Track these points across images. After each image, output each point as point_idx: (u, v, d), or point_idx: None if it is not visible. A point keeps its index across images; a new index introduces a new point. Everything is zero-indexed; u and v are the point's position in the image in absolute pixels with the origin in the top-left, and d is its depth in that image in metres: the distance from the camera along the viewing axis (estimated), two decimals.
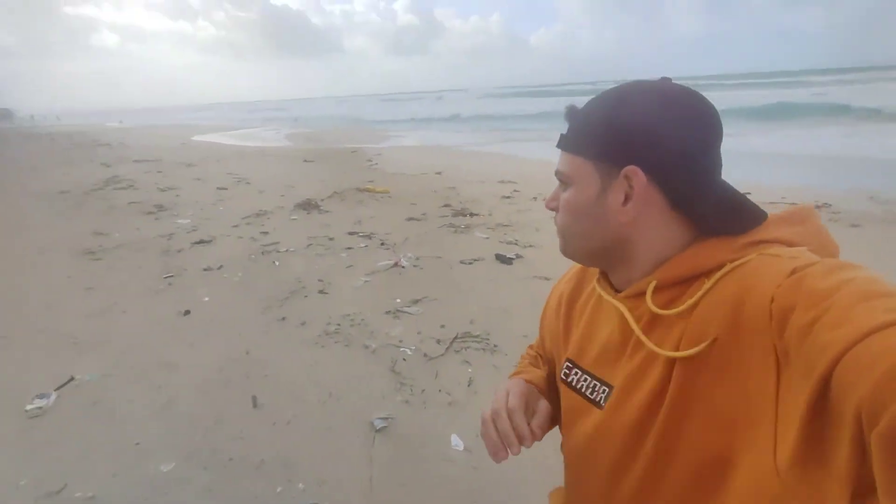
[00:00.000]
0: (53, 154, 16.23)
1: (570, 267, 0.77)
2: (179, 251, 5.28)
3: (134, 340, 3.21)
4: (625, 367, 0.56)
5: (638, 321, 0.55)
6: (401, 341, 3.20)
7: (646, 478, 0.53)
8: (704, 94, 0.57)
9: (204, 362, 2.93)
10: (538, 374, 0.78)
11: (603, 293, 0.62)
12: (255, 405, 2.50)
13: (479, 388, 2.67)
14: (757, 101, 22.87)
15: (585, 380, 0.62)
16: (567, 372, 0.66)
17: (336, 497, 1.92)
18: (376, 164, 13.27)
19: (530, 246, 5.28)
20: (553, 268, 4.57)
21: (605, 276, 0.64)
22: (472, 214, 6.79)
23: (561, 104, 0.72)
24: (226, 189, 9.20)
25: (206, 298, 3.91)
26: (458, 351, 3.07)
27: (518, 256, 4.89)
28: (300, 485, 1.99)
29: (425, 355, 3.01)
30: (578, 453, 0.63)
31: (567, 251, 0.64)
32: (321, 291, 4.07)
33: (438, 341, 3.19)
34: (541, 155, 14.66)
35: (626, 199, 0.54)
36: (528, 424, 0.62)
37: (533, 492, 1.86)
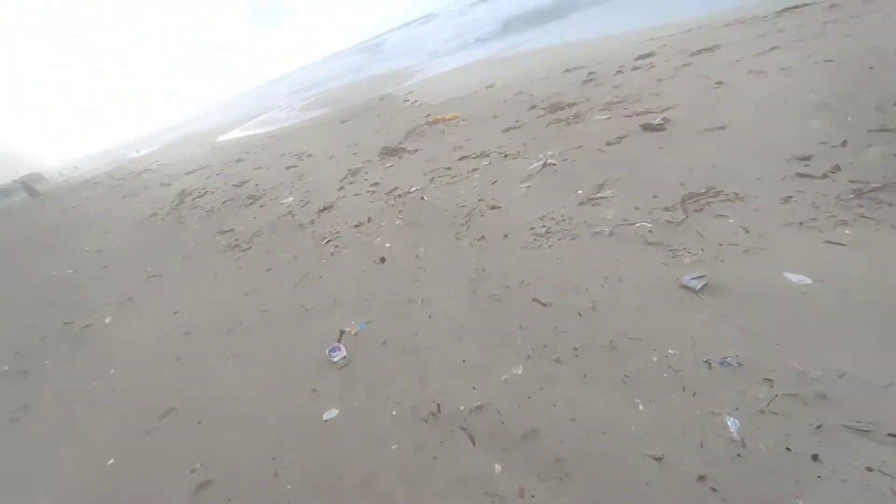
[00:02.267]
0: (111, 192, 16.74)
1: None
2: (313, 221, 5.27)
3: (356, 294, 3.23)
4: None
5: None
6: (626, 220, 3.01)
7: None
8: None
9: (451, 290, 2.90)
10: None
11: None
12: (541, 303, 2.44)
13: (762, 230, 2.46)
14: None
15: None
16: None
17: (718, 344, 1.82)
18: (416, 100, 12.63)
19: (668, 109, 4.81)
20: (714, 116, 4.14)
21: None
22: (569, 105, 6.29)
23: None
24: (295, 167, 9.09)
25: (388, 245, 3.87)
26: (699, 210, 2.84)
27: (666, 120, 4.47)
28: (670, 350, 1.91)
29: (668, 222, 2.82)
30: None
31: None
32: (493, 207, 3.92)
33: (666, 209, 2.98)
34: (587, 37, 13.38)
35: None
36: None
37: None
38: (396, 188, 5.37)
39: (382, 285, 3.25)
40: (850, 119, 3.32)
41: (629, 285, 2.39)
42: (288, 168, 9.11)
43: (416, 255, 3.48)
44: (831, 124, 3.36)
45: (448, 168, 5.45)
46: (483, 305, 2.62)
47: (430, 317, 2.68)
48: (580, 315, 2.29)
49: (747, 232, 2.49)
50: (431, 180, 5.24)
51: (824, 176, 2.74)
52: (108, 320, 4.43)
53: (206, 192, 9.65)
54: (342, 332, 2.76)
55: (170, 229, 7.58)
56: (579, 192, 3.66)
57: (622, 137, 4.49)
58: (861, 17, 5.84)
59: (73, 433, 2.84)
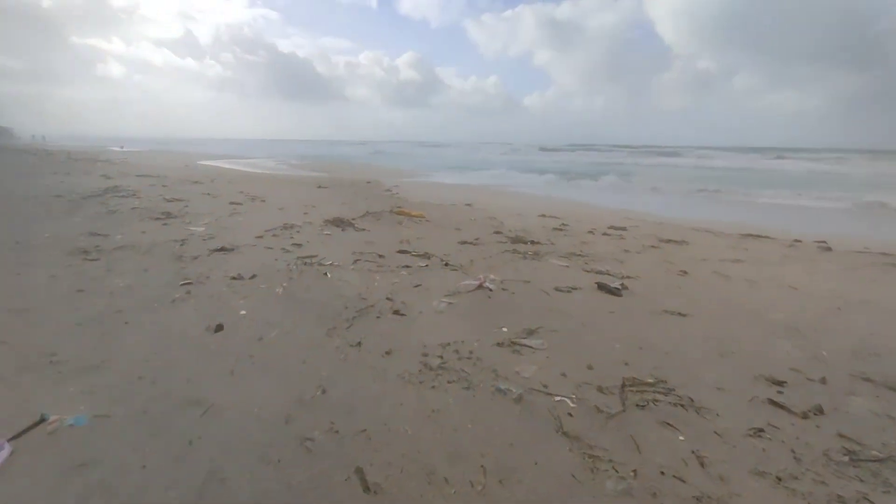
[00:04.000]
0: (49, 166, 15.26)
1: None
2: (196, 258, 4.23)
3: (145, 362, 2.12)
4: None
5: None
6: (545, 386, 2.16)
7: None
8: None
9: (257, 403, 1.85)
10: None
11: None
12: (366, 489, 1.42)
13: (723, 470, 1.63)
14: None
15: None
16: None
17: None
18: (396, 193, 12.53)
19: (628, 277, 4.36)
20: (675, 300, 3.64)
21: None
22: (533, 242, 5.91)
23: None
24: (240, 204, 8.27)
25: (243, 312, 2.85)
26: (641, 406, 2.04)
27: (624, 287, 3.95)
28: None
29: (598, 410, 1.97)
30: None
31: None
32: (396, 312, 3.04)
33: (601, 389, 2.16)
34: (571, 197, 14.22)
35: None
36: None
37: None
38: (314, 256, 4.50)
39: (182, 363, 2.16)
40: (825, 354, 2.79)
41: (510, 495, 1.44)
42: (232, 203, 8.26)
43: (260, 339, 2.46)
44: (803, 352, 2.82)
45: (381, 256, 4.69)
46: (281, 452, 1.57)
47: (191, 443, 1.58)
48: None
49: (702, 465, 1.66)
50: (355, 262, 4.42)
51: (805, 416, 2.04)
52: None
53: (133, 195, 8.55)
54: (42, 418, 1.61)
55: (55, 213, 6.30)
56: (504, 329, 2.87)
57: (574, 288, 3.89)
58: (818, 262, 5.98)
59: None
